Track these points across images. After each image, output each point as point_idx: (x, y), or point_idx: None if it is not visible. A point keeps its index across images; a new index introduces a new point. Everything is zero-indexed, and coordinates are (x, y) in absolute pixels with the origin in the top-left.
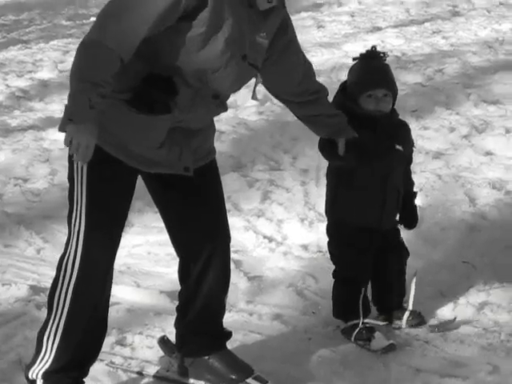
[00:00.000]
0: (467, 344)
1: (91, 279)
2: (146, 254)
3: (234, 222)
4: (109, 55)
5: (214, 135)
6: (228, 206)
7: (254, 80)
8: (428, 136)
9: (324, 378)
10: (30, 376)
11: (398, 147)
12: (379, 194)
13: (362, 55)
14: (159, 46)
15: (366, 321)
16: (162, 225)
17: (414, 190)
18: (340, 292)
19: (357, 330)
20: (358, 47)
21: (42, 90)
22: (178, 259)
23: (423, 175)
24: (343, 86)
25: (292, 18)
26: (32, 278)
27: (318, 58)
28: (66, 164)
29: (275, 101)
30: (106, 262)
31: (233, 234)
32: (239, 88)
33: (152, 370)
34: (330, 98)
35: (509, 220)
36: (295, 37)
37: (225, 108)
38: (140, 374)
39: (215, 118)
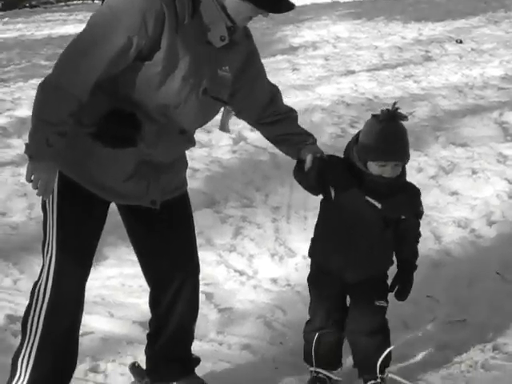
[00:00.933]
0: None
1: (62, 305)
2: (120, 286)
3: (207, 256)
4: (65, 96)
5: (185, 170)
6: (201, 240)
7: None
8: None
9: None
10: None
11: (371, 201)
12: (345, 240)
13: (382, 116)
14: (120, 82)
15: (318, 370)
16: (135, 258)
17: (416, 263)
18: (304, 332)
19: (310, 377)
20: (332, 89)
21: (20, 127)
22: (149, 290)
23: None
24: (357, 138)
25: (267, 60)
26: (9, 308)
27: (291, 100)
28: None
29: (249, 140)
30: (77, 289)
31: (205, 267)
32: (205, 122)
33: None
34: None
35: (473, 257)
36: (262, 65)
37: (192, 143)
38: None
39: (189, 157)
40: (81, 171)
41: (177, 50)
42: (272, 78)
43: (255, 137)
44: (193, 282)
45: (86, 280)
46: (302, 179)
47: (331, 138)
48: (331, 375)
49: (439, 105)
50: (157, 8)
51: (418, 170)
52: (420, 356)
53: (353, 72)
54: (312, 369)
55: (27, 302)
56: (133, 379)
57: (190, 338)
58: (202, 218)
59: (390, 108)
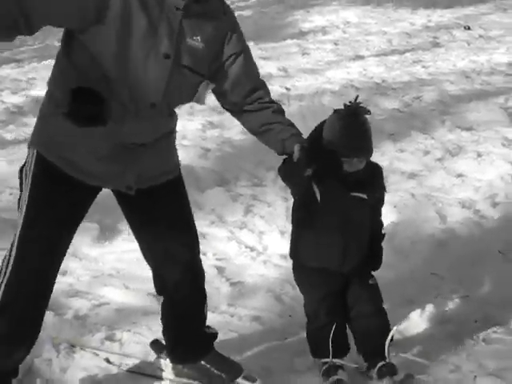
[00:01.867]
0: None
1: (22, 275)
2: (135, 260)
3: (219, 232)
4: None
5: (173, 155)
6: (213, 217)
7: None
8: (404, 158)
9: (300, 369)
10: None
11: (357, 194)
12: (339, 236)
13: (344, 111)
14: (80, 55)
15: (335, 360)
16: None
17: (383, 231)
18: (308, 330)
19: (325, 367)
20: (341, 74)
21: (34, 106)
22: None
23: (397, 193)
24: (320, 129)
25: (278, 44)
26: None
27: (301, 83)
28: None
29: None
30: (39, 261)
31: (217, 243)
32: (183, 97)
33: (143, 364)
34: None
35: (477, 237)
36: (248, 49)
37: (173, 121)
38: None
39: (200, 137)
40: (56, 150)
41: (130, 10)
42: (282, 62)
43: None
44: (191, 273)
45: (54, 255)
46: (291, 172)
47: None
48: (346, 363)
49: (446, 90)
50: None
51: (424, 152)
52: (423, 331)
53: (362, 57)
54: (326, 360)
55: None
56: (148, 348)
57: (201, 318)
58: (213, 197)
59: (351, 102)
